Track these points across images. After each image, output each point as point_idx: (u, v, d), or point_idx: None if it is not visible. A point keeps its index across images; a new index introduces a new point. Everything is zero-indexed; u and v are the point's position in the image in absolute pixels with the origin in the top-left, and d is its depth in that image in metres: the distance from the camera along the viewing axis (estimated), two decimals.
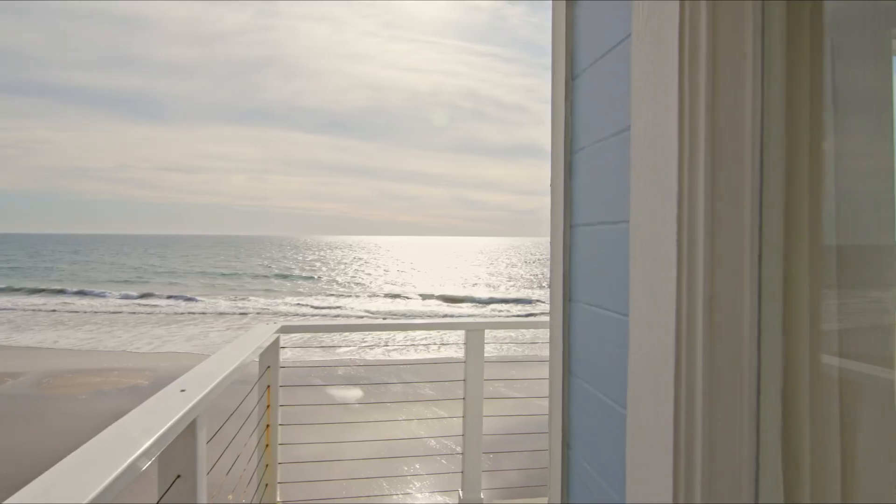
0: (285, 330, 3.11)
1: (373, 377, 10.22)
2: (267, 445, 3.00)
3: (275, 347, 3.03)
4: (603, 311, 1.29)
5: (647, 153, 0.99)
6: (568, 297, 1.49)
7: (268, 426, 3.01)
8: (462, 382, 3.17)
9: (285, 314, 20.00)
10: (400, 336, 17.06)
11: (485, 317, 20.52)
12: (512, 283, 37.73)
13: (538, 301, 24.75)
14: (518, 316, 20.76)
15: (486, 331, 3.14)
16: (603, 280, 1.29)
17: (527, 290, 32.22)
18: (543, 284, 36.02)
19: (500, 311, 22.22)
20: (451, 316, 20.42)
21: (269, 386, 3.02)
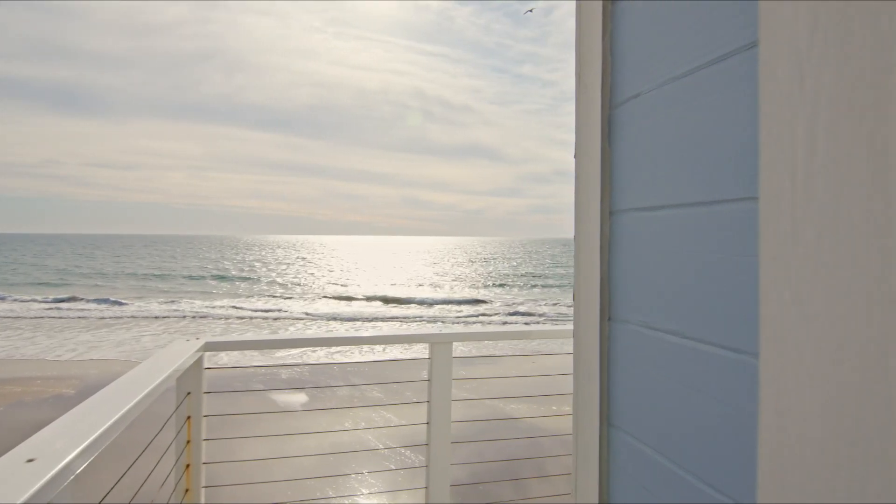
0: (210, 347, 2.53)
1: (319, 380, 9.63)
2: (187, 490, 2.42)
3: (197, 369, 2.45)
4: (684, 341, 0.84)
5: (815, 80, 0.54)
6: (607, 313, 1.04)
7: (188, 466, 2.43)
8: (426, 388, 2.69)
9: (219, 317, 18.87)
10: (342, 327, 16.41)
11: (440, 319, 20.07)
12: (460, 282, 37.46)
13: (487, 301, 24.56)
14: (472, 318, 20.44)
15: (455, 343, 2.66)
16: (682, 292, 0.84)
17: (476, 289, 32.02)
18: (488, 284, 35.96)
19: (449, 311, 21.84)
20: (400, 319, 19.86)
21: (189, 417, 2.44)
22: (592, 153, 1.06)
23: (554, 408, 8.82)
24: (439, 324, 18.85)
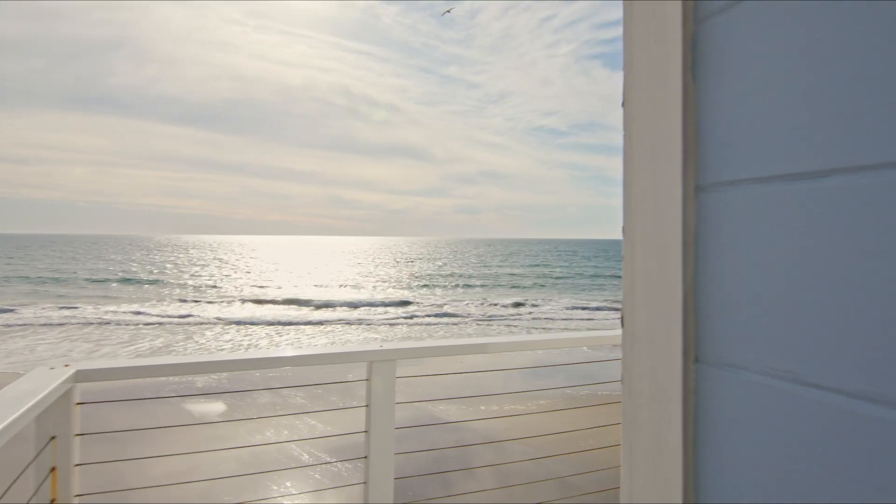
0: (84, 377, 1.91)
1: (236, 385, 8.89)
2: None
3: (65, 405, 1.86)
4: (854, 404, 0.44)
5: None
6: (692, 352, 0.62)
7: None
8: (364, 412, 2.21)
9: (125, 324, 17.32)
10: (261, 332, 15.48)
11: (364, 322, 19.39)
12: (386, 283, 36.81)
13: (413, 302, 24.13)
14: (399, 320, 19.92)
15: (399, 361, 2.19)
16: (842, 320, 0.45)
17: (402, 290, 31.51)
18: (414, 285, 35.56)
19: (373, 314, 21.24)
20: (321, 323, 19.03)
21: (54, 468, 1.84)
22: (662, 96, 0.64)
23: (484, 407, 8.55)
24: (378, 338, 18.22)
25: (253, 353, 2.00)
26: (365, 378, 2.15)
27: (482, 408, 9.46)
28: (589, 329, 18.00)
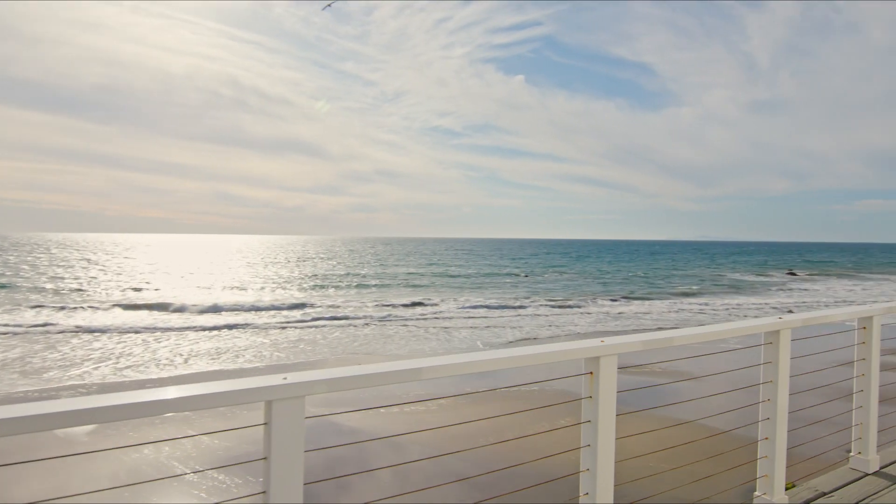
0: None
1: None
2: None
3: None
4: None
5: None
6: None
7: None
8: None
9: None
10: (137, 339, 14.02)
11: (252, 326, 18.19)
12: (279, 284, 35.12)
13: (309, 304, 23.13)
14: (294, 323, 18.93)
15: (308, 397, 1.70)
16: None
17: (295, 291, 30.21)
18: (306, 286, 34.30)
19: (262, 317, 20.08)
20: (205, 329, 17.63)
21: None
22: None
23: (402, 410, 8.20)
24: (270, 351, 17.10)
25: (131, 397, 1.41)
26: (262, 422, 1.63)
27: (382, 410, 9.14)
28: (487, 327, 18.20)
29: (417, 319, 19.57)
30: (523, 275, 45.51)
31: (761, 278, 44.70)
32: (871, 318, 3.24)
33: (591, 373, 2.19)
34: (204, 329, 16.90)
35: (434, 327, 17.87)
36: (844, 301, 27.57)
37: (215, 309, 21.37)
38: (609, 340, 2.17)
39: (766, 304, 25.96)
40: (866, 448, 3.32)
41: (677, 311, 22.77)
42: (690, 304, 25.81)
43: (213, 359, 12.85)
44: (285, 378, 1.56)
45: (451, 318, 20.20)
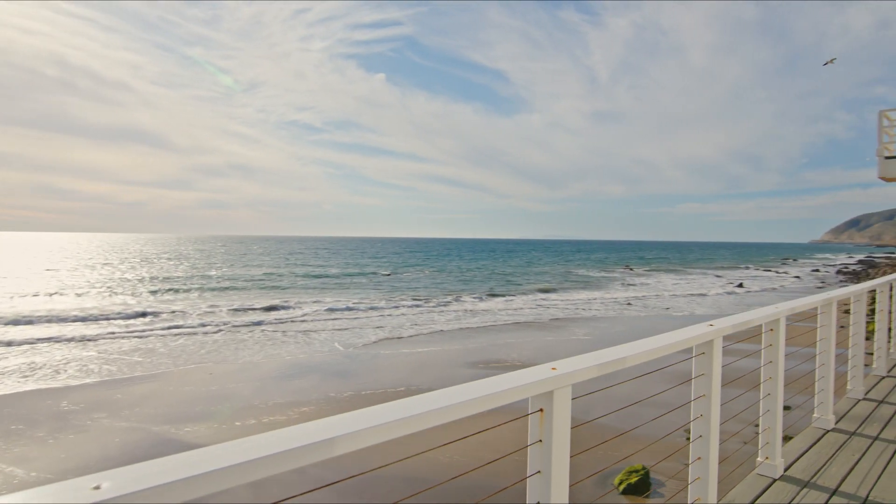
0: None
1: None
2: None
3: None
4: None
5: None
6: None
7: None
8: None
9: None
10: None
11: (80, 339, 15.79)
12: (112, 289, 31.19)
13: (151, 312, 20.72)
14: (129, 335, 16.75)
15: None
16: None
17: (130, 297, 27.03)
18: (144, 290, 30.97)
19: (92, 329, 17.62)
20: (22, 343, 14.99)
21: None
22: None
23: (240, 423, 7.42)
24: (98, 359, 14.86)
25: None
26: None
27: (237, 423, 8.29)
28: (348, 329, 17.63)
29: (275, 323, 18.42)
30: (385, 273, 45.34)
31: (604, 274, 49.00)
32: (777, 320, 3.18)
33: (541, 410, 1.74)
34: (10, 344, 14.34)
35: (292, 330, 16.92)
36: (671, 294, 30.94)
37: (30, 320, 18.33)
38: (562, 367, 1.76)
39: (614, 298, 28.32)
40: (774, 453, 3.24)
41: (537, 307, 23.94)
42: (553, 299, 27.33)
43: (24, 376, 10.88)
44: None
45: (310, 320, 19.32)
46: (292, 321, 18.89)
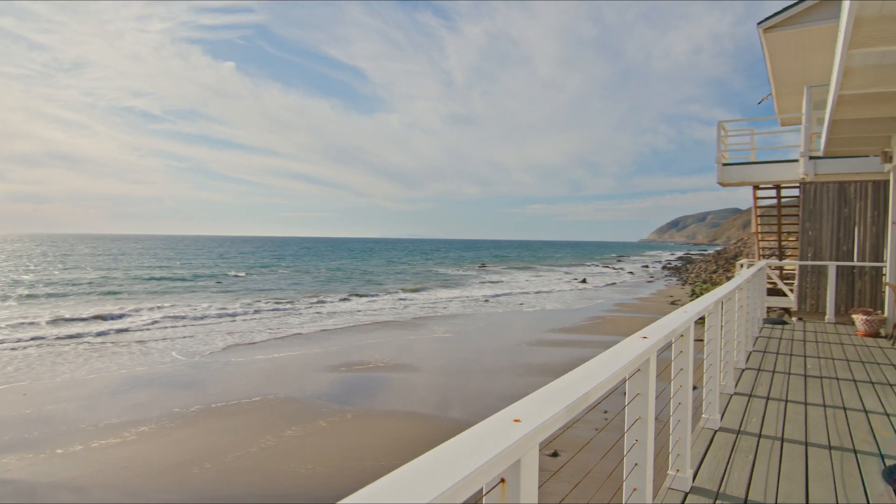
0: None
1: None
2: None
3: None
4: None
5: None
6: None
7: None
8: None
9: None
10: None
11: None
12: None
13: None
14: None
15: None
16: None
17: None
18: None
19: None
20: None
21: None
22: None
23: (62, 450, 6.37)
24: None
25: None
26: None
27: (59, 451, 7.15)
28: (191, 336, 16.23)
29: (106, 334, 16.36)
30: (235, 274, 42.63)
31: (461, 272, 50.67)
32: (690, 325, 3.03)
33: (501, 481, 1.24)
34: None
35: (126, 341, 15.15)
36: (523, 291, 32.81)
37: None
38: (527, 418, 1.27)
39: (471, 295, 29.28)
40: (685, 465, 3.09)
41: (398, 306, 23.96)
42: (413, 298, 27.50)
43: None
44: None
45: (149, 328, 17.47)
46: (128, 330, 16.92)
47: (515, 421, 1.25)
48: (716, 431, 4.07)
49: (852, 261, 10.40)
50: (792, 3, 8.23)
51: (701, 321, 3.69)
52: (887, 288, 8.62)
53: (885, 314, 8.53)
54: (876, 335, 8.36)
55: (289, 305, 23.64)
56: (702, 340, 4.20)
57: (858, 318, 8.48)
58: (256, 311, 21.43)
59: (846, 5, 3.27)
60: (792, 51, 9.14)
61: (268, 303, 24.44)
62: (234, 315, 20.36)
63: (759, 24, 8.61)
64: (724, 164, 11.26)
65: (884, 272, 9.78)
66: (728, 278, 30.78)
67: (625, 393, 2.30)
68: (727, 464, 3.48)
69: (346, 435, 7.84)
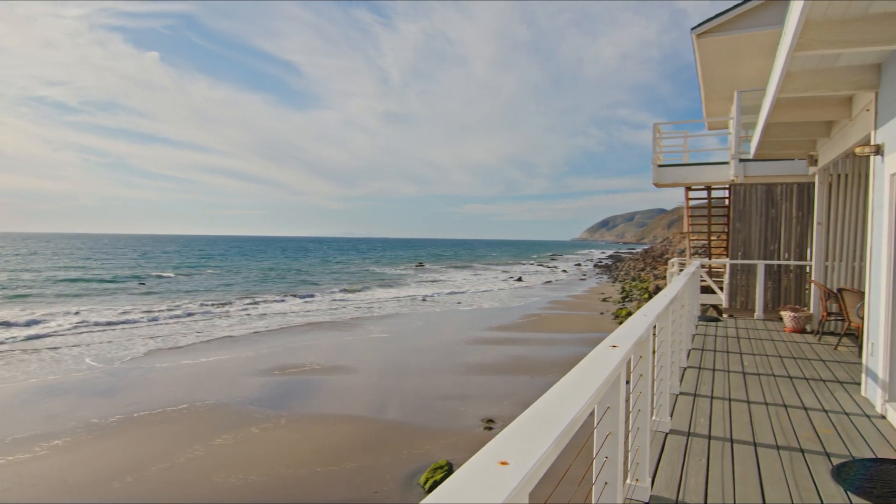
0: None
1: None
2: None
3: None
4: None
5: None
6: None
7: None
8: None
9: None
10: None
11: None
12: None
13: None
14: None
15: None
16: None
17: None
18: None
19: None
20: None
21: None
22: None
23: None
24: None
25: None
26: None
27: None
28: (109, 342, 15.27)
29: (14, 340, 15.10)
30: (158, 275, 40.55)
31: (399, 271, 50.43)
32: (654, 327, 2.95)
33: None
34: None
35: (35, 348, 14.04)
36: (460, 290, 33.01)
37: None
38: (514, 459, 1.03)
39: (409, 294, 29.13)
40: (643, 474, 3.00)
41: (334, 306, 23.48)
42: (350, 298, 27.01)
43: None
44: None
45: (63, 333, 16.27)
46: (38, 337, 15.68)
47: (502, 464, 1.01)
48: (667, 434, 4.04)
49: (779, 259, 10.98)
50: (725, 9, 8.62)
51: None
52: (812, 285, 9.15)
53: (811, 311, 9.05)
54: (802, 331, 8.86)
55: (218, 307, 22.67)
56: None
57: (786, 315, 8.96)
58: (184, 314, 20.41)
59: (797, 6, 3.40)
60: (723, 56, 9.57)
61: (196, 305, 23.35)
62: (157, 318, 19.31)
63: (692, 29, 8.95)
64: (660, 166, 11.52)
65: (807, 270, 10.42)
66: (655, 276, 32.23)
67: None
68: (682, 469, 3.45)
69: (281, 441, 7.57)
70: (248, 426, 8.12)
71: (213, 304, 23.42)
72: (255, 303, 24.44)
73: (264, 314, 20.80)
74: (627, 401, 2.38)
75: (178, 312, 20.77)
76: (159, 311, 21.12)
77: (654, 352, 3.61)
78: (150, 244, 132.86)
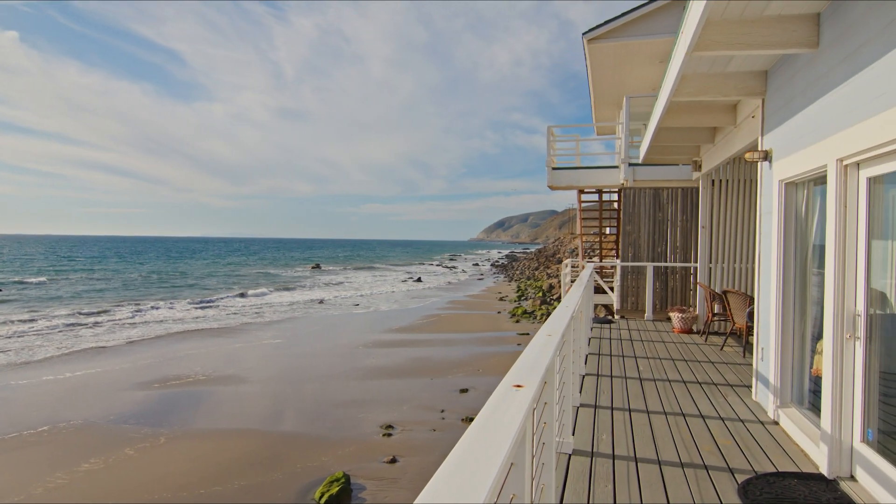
0: None
1: None
2: None
3: None
4: None
5: None
6: None
7: None
8: None
9: None
10: None
11: None
12: None
13: None
14: None
15: None
16: None
17: None
18: None
19: None
20: None
21: None
22: None
23: None
24: None
25: None
26: None
27: None
28: None
29: None
30: (19, 280, 35.96)
31: (294, 273, 48.46)
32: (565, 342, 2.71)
33: None
34: None
35: None
36: (358, 292, 32.24)
37: None
38: None
39: (304, 297, 27.93)
40: None
41: (223, 311, 21.91)
42: (240, 302, 25.37)
43: None
44: None
45: None
46: None
47: None
48: (570, 456, 3.91)
49: (667, 261, 11.49)
50: (615, 15, 8.82)
51: None
52: (698, 286, 9.60)
53: (697, 311, 9.49)
54: (690, 331, 9.26)
55: (88, 316, 20.32)
56: None
57: (674, 316, 9.32)
58: (43, 324, 18.04)
59: (698, 5, 3.29)
60: (612, 62, 9.81)
61: (62, 313, 20.79)
62: (9, 329, 16.90)
63: (584, 34, 9.09)
64: (554, 169, 11.67)
65: (691, 272, 10.97)
66: (549, 275, 33.37)
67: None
68: (588, 498, 3.28)
69: (159, 462, 6.74)
70: (121, 447, 7.19)
71: (81, 314, 20.94)
72: (138, 310, 22.19)
73: (142, 322, 18.92)
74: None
75: (39, 321, 18.34)
76: (15, 320, 18.55)
77: (558, 373, 3.38)
78: (9, 244, 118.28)
